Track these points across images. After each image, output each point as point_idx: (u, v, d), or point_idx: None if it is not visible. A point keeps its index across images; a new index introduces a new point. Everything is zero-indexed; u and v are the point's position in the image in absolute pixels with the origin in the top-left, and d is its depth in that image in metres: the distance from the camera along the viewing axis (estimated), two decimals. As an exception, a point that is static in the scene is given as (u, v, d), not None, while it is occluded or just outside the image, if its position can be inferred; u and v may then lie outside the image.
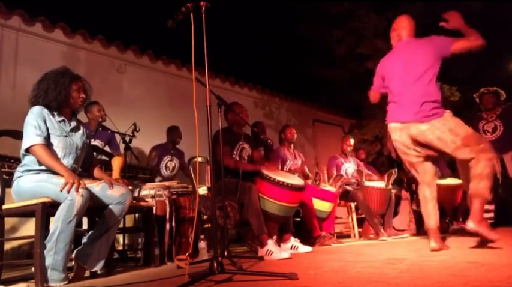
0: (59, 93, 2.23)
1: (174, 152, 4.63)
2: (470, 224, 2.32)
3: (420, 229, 5.15)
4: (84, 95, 2.37)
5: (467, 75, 7.44)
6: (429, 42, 2.65)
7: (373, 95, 3.02)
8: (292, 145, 4.55)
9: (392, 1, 6.65)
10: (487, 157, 2.38)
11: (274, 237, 2.80)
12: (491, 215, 4.40)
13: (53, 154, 2.19)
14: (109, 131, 3.77)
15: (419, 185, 2.76)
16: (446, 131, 2.48)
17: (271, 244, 2.74)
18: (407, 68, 2.66)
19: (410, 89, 2.61)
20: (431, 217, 2.62)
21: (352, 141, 5.08)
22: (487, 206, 4.35)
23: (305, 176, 4.32)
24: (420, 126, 2.55)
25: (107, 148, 3.92)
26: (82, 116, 3.30)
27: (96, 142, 3.87)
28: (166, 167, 4.51)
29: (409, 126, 2.59)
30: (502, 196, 4.38)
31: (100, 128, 3.89)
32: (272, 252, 2.67)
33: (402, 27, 2.82)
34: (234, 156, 3.34)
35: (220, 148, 2.55)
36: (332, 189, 4.07)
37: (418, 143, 2.62)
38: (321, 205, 3.87)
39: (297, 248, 3.04)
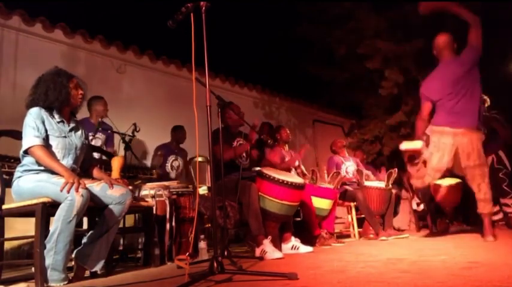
0: (60, 93, 2.23)
1: (177, 151, 4.62)
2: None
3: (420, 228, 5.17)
4: (82, 91, 2.38)
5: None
6: (461, 59, 3.02)
7: (422, 124, 3.19)
8: (286, 146, 4.55)
9: (392, 1, 6.63)
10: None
11: (269, 237, 2.81)
12: None
13: (52, 154, 2.19)
14: (109, 131, 3.77)
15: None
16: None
17: (266, 244, 2.75)
18: (457, 83, 2.98)
19: (466, 101, 2.95)
20: None
21: (343, 141, 5.14)
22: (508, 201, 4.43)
23: (303, 174, 4.32)
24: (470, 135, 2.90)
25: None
26: (84, 111, 3.28)
27: (99, 135, 3.87)
28: (172, 167, 4.50)
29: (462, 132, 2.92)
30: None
31: (100, 128, 3.89)
32: (266, 252, 2.70)
33: (442, 47, 3.11)
34: None
35: (220, 146, 2.54)
36: (330, 186, 4.07)
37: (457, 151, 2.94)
38: (320, 203, 3.86)
39: (297, 248, 3.04)
